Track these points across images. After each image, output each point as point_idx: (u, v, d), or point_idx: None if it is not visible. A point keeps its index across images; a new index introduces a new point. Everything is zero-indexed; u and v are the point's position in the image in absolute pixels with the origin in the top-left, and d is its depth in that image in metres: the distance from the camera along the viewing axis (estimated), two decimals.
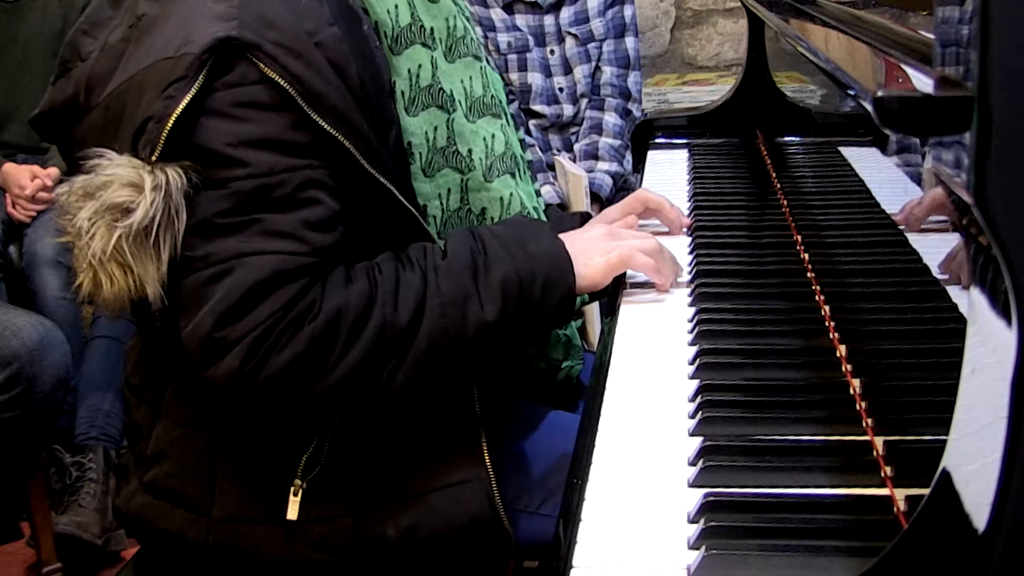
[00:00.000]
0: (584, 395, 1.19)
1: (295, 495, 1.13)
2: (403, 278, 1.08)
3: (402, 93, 1.18)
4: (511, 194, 1.27)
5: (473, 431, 1.16)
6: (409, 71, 1.18)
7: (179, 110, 1.01)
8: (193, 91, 1.02)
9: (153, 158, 1.02)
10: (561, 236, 1.17)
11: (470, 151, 1.23)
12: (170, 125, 1.02)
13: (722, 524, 0.78)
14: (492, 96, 1.30)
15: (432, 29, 1.22)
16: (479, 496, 1.13)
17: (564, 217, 1.47)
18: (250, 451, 1.16)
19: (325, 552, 1.13)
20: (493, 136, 1.27)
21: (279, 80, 1.03)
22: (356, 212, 1.11)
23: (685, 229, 1.50)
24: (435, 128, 1.20)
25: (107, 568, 2.28)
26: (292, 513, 1.13)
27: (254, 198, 1.04)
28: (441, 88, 1.21)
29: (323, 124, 1.05)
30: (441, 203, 1.21)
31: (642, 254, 1.21)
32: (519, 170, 1.32)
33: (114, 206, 1.02)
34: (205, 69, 1.02)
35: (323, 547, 1.13)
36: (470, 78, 1.27)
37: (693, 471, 0.87)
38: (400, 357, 1.07)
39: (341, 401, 1.08)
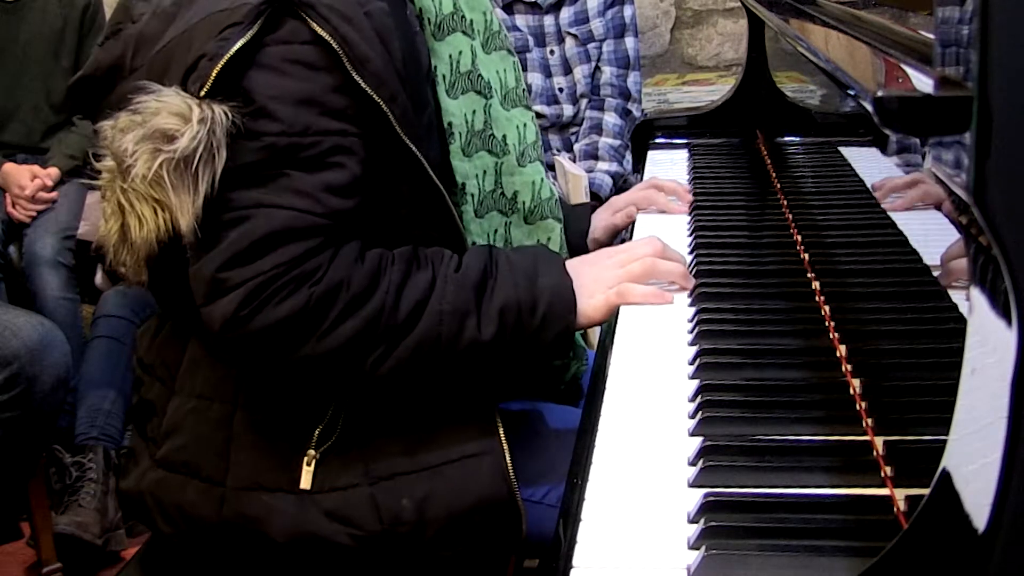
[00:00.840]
0: (585, 392, 1.20)
1: (308, 464, 1.15)
2: (413, 274, 1.11)
3: (443, 77, 1.22)
4: (542, 179, 1.32)
5: (487, 405, 1.18)
6: (450, 56, 1.23)
7: (233, 50, 1.05)
8: (249, 36, 1.06)
9: (202, 93, 1.06)
10: (571, 265, 1.20)
11: (504, 136, 1.28)
12: (222, 64, 1.05)
13: (722, 524, 0.78)
14: (523, 90, 1.35)
15: (472, 20, 1.27)
16: (492, 469, 1.15)
17: (575, 212, 1.54)
18: (265, 420, 1.17)
19: (339, 523, 1.14)
20: (525, 125, 1.33)
21: (329, 39, 1.07)
22: (386, 183, 1.14)
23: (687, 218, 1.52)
24: (473, 112, 1.24)
25: (107, 568, 2.28)
26: (305, 482, 1.15)
27: (284, 154, 1.07)
28: (480, 75, 1.25)
29: (365, 87, 1.08)
30: (478, 183, 1.25)
31: (639, 288, 1.22)
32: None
33: (160, 132, 1.05)
34: (261, 19, 1.06)
35: (337, 517, 1.14)
36: (504, 70, 1.33)
37: (693, 471, 0.87)
38: (389, 347, 1.09)
39: (325, 372, 1.10)
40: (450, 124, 1.22)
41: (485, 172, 1.26)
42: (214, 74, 1.05)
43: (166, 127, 1.04)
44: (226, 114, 1.05)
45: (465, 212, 1.23)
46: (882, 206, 0.98)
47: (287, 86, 1.08)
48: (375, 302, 1.08)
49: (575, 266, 1.21)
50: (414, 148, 1.13)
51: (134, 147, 1.05)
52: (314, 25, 1.07)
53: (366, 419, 1.16)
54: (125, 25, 1.19)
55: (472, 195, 1.24)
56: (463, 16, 1.25)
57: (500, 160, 1.27)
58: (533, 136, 1.34)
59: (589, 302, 1.18)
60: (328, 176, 1.09)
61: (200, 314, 1.09)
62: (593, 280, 1.20)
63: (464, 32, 1.25)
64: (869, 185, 1.07)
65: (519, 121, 1.32)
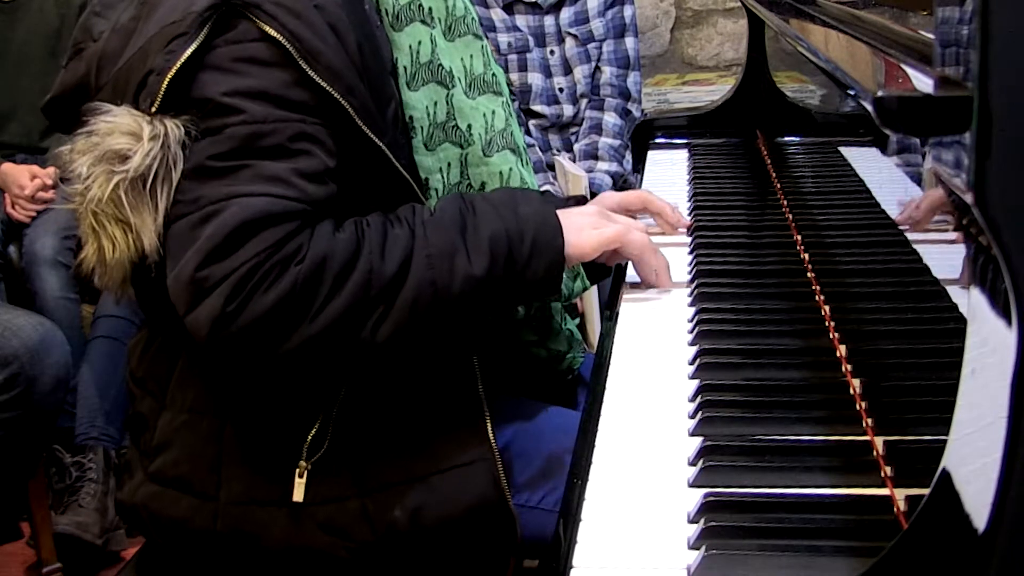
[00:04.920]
0: (585, 391, 1.20)
1: (300, 477, 1.14)
2: (391, 231, 1.09)
3: (404, 68, 1.20)
4: (510, 169, 1.28)
5: (477, 412, 1.17)
6: (410, 47, 1.21)
7: (180, 63, 1.04)
8: (194, 46, 1.05)
9: (153, 109, 1.05)
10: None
11: (469, 126, 1.25)
12: (170, 77, 1.04)
13: (722, 524, 0.78)
14: (493, 75, 1.32)
15: (431, 8, 1.24)
16: (484, 477, 1.14)
17: (558, 200, 1.49)
18: (255, 434, 1.17)
19: (334, 535, 1.14)
20: (493, 112, 1.29)
21: (278, 37, 1.06)
22: (352, 176, 1.12)
23: (684, 229, 1.50)
24: (435, 103, 1.22)
25: (107, 568, 2.28)
26: (298, 495, 1.14)
27: (248, 144, 1.06)
28: (440, 65, 1.23)
29: (319, 80, 1.07)
30: (442, 176, 1.23)
31: (636, 232, 1.22)
32: (520, 151, 1.33)
33: (112, 153, 1.04)
34: (207, 26, 1.06)
35: (331, 529, 1.14)
36: (470, 56, 1.29)
37: (693, 471, 0.87)
38: (386, 308, 1.06)
39: (326, 352, 1.06)
40: (411, 118, 1.20)
41: (450, 165, 1.23)
42: (163, 88, 1.04)
43: (118, 147, 1.03)
44: (179, 127, 1.04)
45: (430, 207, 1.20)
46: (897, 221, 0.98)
47: (240, 83, 1.06)
48: (361, 267, 1.06)
49: (557, 209, 1.19)
50: (376, 139, 1.11)
51: (88, 170, 1.05)
52: (261, 24, 1.06)
53: (356, 428, 1.15)
54: (86, 44, 1.18)
55: (436, 190, 1.22)
56: (420, 5, 1.23)
57: (465, 151, 1.24)
58: (502, 123, 1.29)
59: (578, 234, 1.16)
60: (297, 163, 1.06)
61: (186, 325, 1.06)
62: (579, 215, 1.19)
63: (423, 21, 1.22)
64: (869, 186, 1.07)
65: (486, 109, 1.28)
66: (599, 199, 1.43)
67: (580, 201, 1.44)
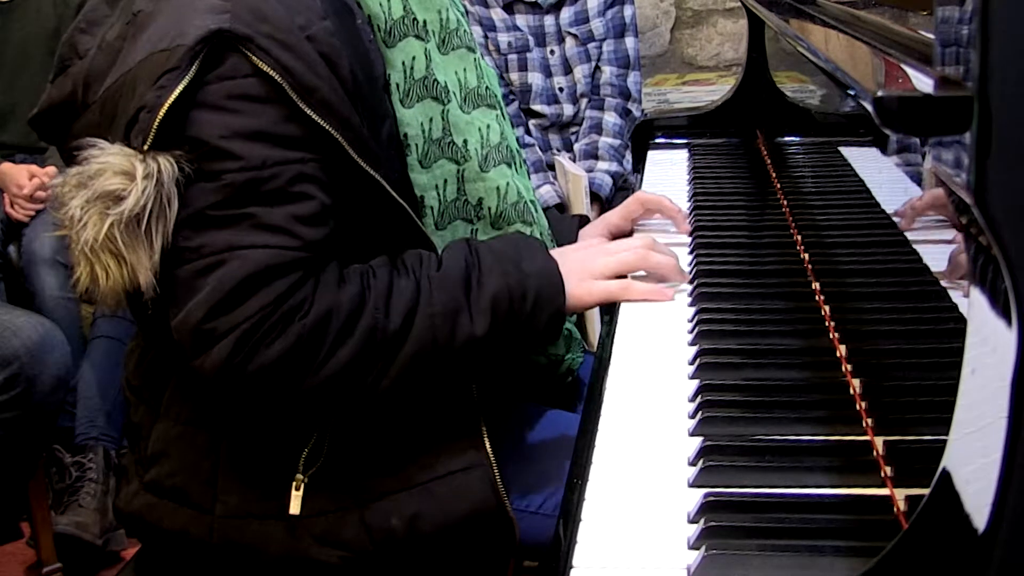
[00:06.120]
0: (584, 393, 1.20)
1: (297, 489, 1.14)
2: (396, 284, 1.09)
3: (397, 85, 1.19)
4: (507, 183, 1.28)
5: (472, 419, 1.17)
6: (403, 63, 1.19)
7: (171, 100, 1.02)
8: (185, 82, 1.03)
9: (145, 147, 1.03)
10: (555, 253, 1.19)
11: (465, 142, 1.24)
12: (162, 115, 1.02)
13: (722, 524, 0.78)
14: (486, 88, 1.31)
15: (425, 21, 1.23)
16: (482, 482, 1.14)
17: (561, 220, 1.49)
18: (251, 447, 1.16)
19: (331, 546, 1.14)
20: (488, 127, 1.28)
21: (271, 72, 1.04)
22: (348, 206, 1.12)
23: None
24: (430, 119, 1.21)
25: (107, 568, 2.28)
26: (295, 508, 1.14)
27: (246, 191, 1.04)
28: (435, 80, 1.22)
29: (314, 116, 1.06)
30: (438, 194, 1.22)
31: (639, 286, 1.22)
32: (515, 162, 1.32)
33: (106, 194, 1.03)
34: (198, 61, 1.03)
35: (328, 541, 1.14)
36: (464, 69, 1.28)
37: (693, 471, 0.87)
38: (387, 362, 1.08)
39: (328, 400, 1.09)
40: (406, 135, 1.18)
41: (446, 181, 1.22)
42: (155, 126, 1.02)
43: (111, 188, 1.02)
44: (172, 163, 1.03)
45: (426, 226, 1.19)
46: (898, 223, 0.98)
47: (234, 123, 1.04)
48: (365, 322, 1.06)
49: (558, 252, 1.20)
50: (372, 172, 1.10)
51: (81, 212, 1.03)
52: (254, 59, 1.04)
53: (351, 440, 1.15)
54: (72, 61, 1.16)
55: (432, 207, 1.21)
56: (415, 19, 1.21)
57: (462, 167, 1.23)
58: (497, 137, 1.28)
59: (579, 284, 1.17)
60: (295, 208, 1.06)
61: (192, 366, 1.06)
62: (580, 264, 1.19)
63: (417, 36, 1.21)
64: (869, 186, 1.07)
65: (480, 123, 1.27)
66: (602, 219, 1.44)
67: (582, 220, 1.45)
